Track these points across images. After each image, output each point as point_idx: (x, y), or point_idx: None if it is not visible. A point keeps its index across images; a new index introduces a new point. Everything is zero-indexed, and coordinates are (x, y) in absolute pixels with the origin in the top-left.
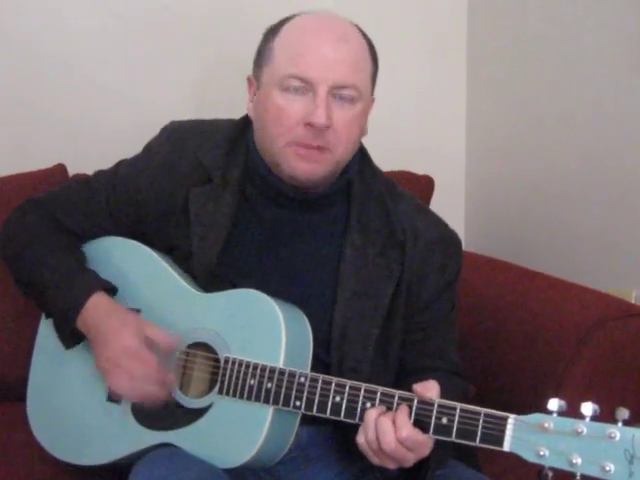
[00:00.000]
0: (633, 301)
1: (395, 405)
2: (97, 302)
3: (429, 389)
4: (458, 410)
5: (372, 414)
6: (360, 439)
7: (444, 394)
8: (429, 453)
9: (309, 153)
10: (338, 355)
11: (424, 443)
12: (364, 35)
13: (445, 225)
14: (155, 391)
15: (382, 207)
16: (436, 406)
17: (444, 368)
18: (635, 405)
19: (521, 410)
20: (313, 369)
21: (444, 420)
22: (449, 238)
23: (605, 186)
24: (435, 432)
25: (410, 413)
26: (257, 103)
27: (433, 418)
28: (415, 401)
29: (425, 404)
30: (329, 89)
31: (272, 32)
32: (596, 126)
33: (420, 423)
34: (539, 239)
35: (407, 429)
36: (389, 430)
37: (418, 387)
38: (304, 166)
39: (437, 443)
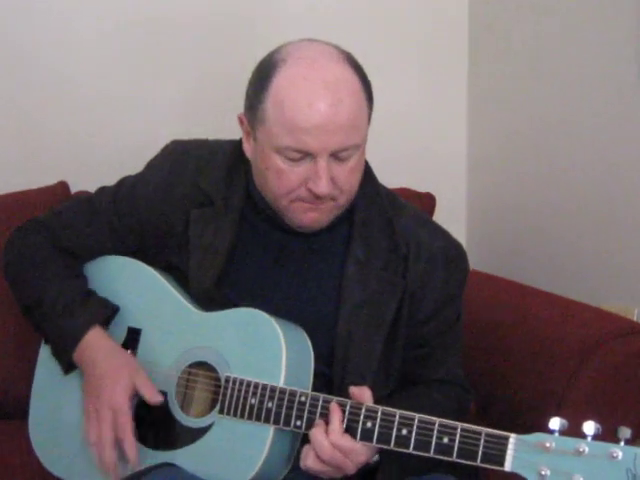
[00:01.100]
0: (635, 319)
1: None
2: (92, 341)
3: (363, 393)
4: (459, 430)
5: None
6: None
7: (438, 404)
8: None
9: (314, 206)
10: (341, 370)
11: (354, 449)
12: (356, 70)
13: (449, 236)
14: (110, 461)
15: (385, 221)
16: (437, 425)
17: (445, 380)
18: (636, 423)
19: (522, 427)
20: (315, 384)
21: (445, 440)
22: (453, 250)
23: (608, 203)
24: (436, 452)
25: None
26: (255, 152)
27: (360, 424)
28: (348, 406)
29: (355, 409)
30: (328, 156)
31: (260, 83)
32: (599, 142)
33: (349, 429)
34: (540, 257)
35: (335, 434)
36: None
37: (355, 390)
38: (311, 215)
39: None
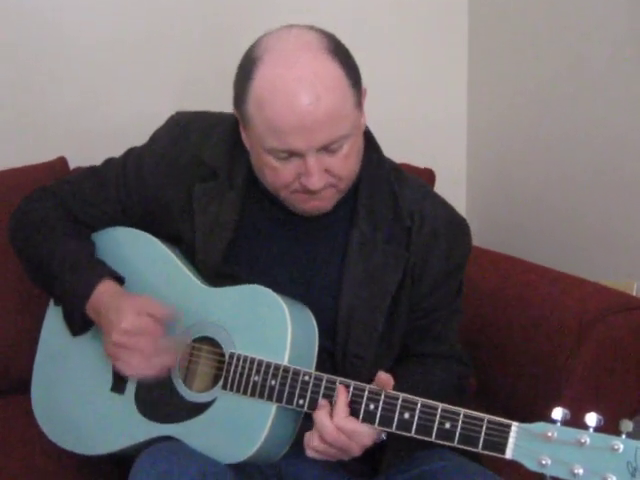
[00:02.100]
0: (634, 294)
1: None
2: (106, 289)
3: (389, 382)
4: (461, 416)
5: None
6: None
7: (438, 383)
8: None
9: (315, 196)
10: (343, 343)
11: (357, 432)
12: (336, 57)
13: (453, 210)
14: (168, 360)
15: (389, 193)
16: (440, 410)
17: (446, 354)
18: (636, 398)
19: (523, 403)
20: (317, 356)
21: (447, 425)
22: (456, 223)
23: (607, 178)
24: (437, 437)
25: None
26: (250, 146)
27: (362, 405)
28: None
29: (358, 390)
30: (316, 152)
31: (242, 81)
32: (599, 119)
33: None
34: (540, 232)
35: (340, 416)
36: (327, 421)
37: (383, 376)
38: (313, 204)
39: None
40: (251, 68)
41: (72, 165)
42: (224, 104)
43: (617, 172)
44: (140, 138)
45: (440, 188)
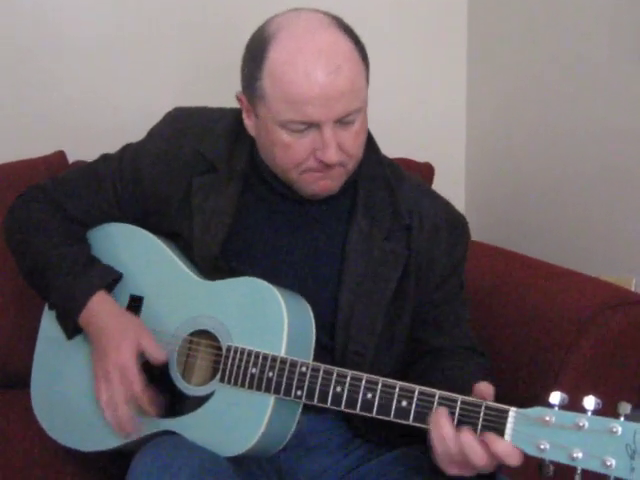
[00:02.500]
0: (633, 289)
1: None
2: (98, 303)
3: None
4: (459, 402)
5: (447, 427)
6: (436, 450)
7: (469, 376)
8: None
9: (325, 174)
10: (343, 339)
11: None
12: (348, 34)
13: (452, 207)
14: (125, 419)
15: (388, 191)
16: (437, 397)
17: (462, 345)
18: (634, 393)
19: (521, 398)
20: (317, 353)
21: None
22: (455, 219)
23: (605, 173)
24: None
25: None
26: (259, 128)
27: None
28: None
29: (470, 405)
30: (333, 123)
31: (255, 60)
32: (599, 113)
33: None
34: (538, 227)
35: (500, 441)
36: (477, 447)
37: (483, 387)
38: (322, 183)
39: None
40: (264, 46)
41: (71, 159)
42: (224, 100)
43: (616, 167)
44: (140, 132)
45: (439, 183)
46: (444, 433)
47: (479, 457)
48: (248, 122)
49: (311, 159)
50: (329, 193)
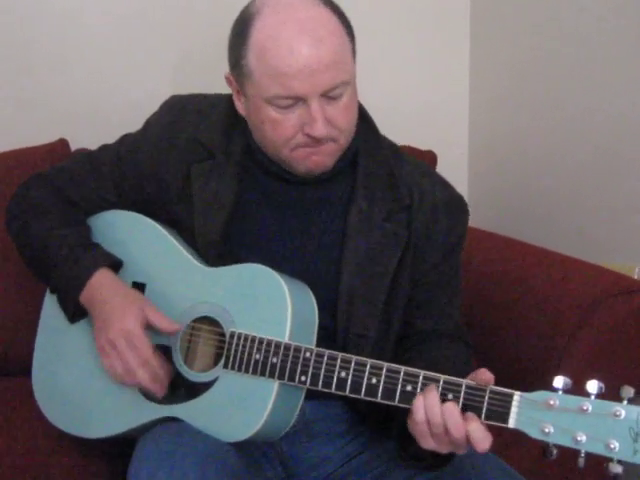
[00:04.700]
0: (636, 277)
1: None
2: (101, 279)
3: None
4: (464, 387)
5: (435, 398)
6: (419, 418)
7: (451, 363)
8: None
9: (316, 149)
10: (344, 321)
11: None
12: (332, 9)
13: (451, 188)
14: (145, 381)
15: (387, 172)
16: (442, 382)
17: (449, 332)
18: (636, 381)
19: (523, 386)
20: (319, 336)
21: (449, 396)
22: (455, 201)
23: (608, 161)
24: None
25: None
26: (248, 108)
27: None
28: (463, 387)
29: (474, 390)
30: (319, 97)
31: (239, 38)
32: (601, 101)
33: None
34: (541, 214)
35: (476, 422)
36: (459, 418)
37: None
38: (315, 159)
39: None
40: (248, 23)
41: (73, 147)
42: (226, 88)
43: (619, 155)
44: (141, 121)
45: (442, 170)
46: (432, 401)
47: (458, 428)
48: (238, 103)
49: (299, 134)
50: (324, 169)
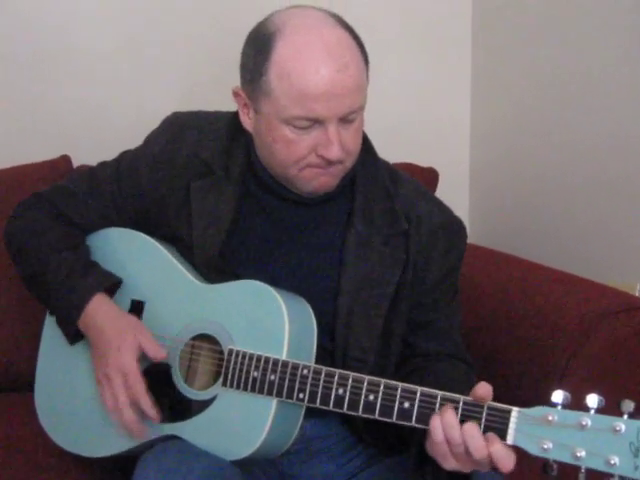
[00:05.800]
0: (637, 294)
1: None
2: (96, 306)
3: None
4: (461, 402)
5: (453, 417)
6: (438, 438)
7: (452, 383)
8: None
9: (325, 171)
10: (343, 345)
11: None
12: (351, 32)
13: (448, 210)
14: (128, 422)
15: (385, 195)
16: (439, 398)
17: (449, 353)
18: (637, 399)
19: (524, 403)
20: (318, 357)
21: None
22: (453, 223)
23: (610, 179)
24: None
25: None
26: (258, 125)
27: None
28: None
29: (472, 406)
30: (337, 121)
31: (260, 52)
32: (602, 119)
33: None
34: (543, 232)
35: (498, 443)
36: (480, 440)
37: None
38: (322, 180)
39: None
40: (270, 39)
41: (76, 163)
42: (231, 105)
43: (620, 173)
44: (143, 135)
45: (443, 188)
46: (451, 421)
47: (480, 449)
48: (245, 118)
49: (312, 155)
50: (327, 190)
